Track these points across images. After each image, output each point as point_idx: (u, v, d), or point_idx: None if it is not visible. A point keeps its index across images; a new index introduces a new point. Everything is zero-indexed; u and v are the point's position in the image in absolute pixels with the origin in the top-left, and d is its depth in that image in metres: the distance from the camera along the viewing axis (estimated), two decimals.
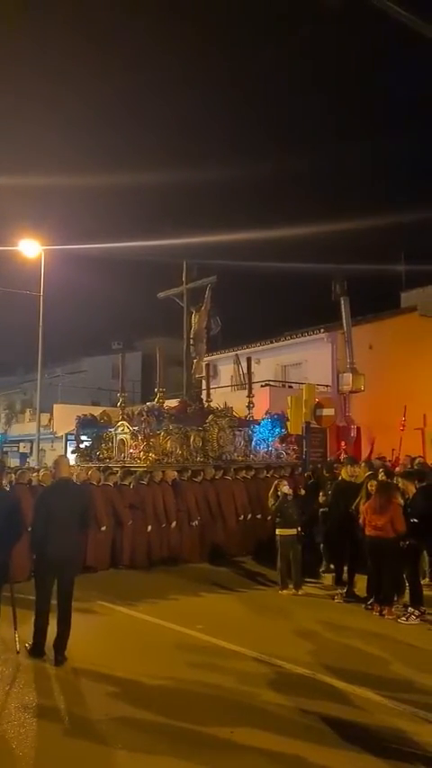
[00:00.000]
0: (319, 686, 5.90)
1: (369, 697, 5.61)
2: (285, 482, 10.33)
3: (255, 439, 15.20)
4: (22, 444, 31.41)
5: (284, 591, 9.66)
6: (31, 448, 28.28)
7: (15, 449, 31.73)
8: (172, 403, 15.11)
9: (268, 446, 15.36)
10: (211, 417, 14.35)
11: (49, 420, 28.09)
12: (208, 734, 4.91)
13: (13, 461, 26.54)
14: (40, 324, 22.50)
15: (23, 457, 30.10)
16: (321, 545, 10.58)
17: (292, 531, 9.80)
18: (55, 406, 29.13)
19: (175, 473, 12.70)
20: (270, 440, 15.43)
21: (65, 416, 28.00)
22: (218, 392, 17.40)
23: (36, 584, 6.86)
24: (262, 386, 19.24)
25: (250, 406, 15.56)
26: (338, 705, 5.46)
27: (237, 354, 22.15)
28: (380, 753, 4.58)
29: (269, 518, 11.26)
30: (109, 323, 58.70)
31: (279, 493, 10.03)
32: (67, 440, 26.40)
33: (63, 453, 25.17)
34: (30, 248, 22.25)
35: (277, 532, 9.95)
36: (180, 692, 5.78)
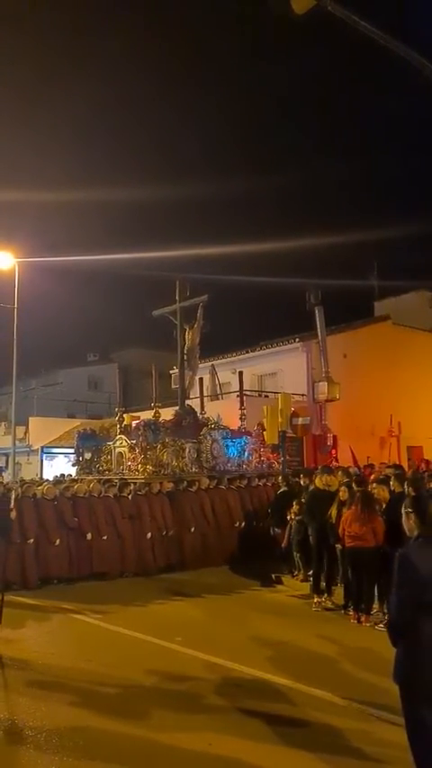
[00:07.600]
0: (300, 696, 5.89)
1: (348, 706, 5.63)
2: None
3: (246, 450, 15.35)
4: None
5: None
6: (7, 461, 27.94)
7: None
8: (148, 414, 15.20)
9: (260, 456, 15.54)
10: (204, 430, 14.60)
11: (25, 433, 27.81)
12: (184, 748, 4.87)
13: None
14: (14, 336, 22.36)
15: None
16: (297, 554, 10.62)
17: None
18: (30, 418, 28.86)
19: (171, 484, 12.95)
20: (262, 449, 15.64)
21: (41, 429, 27.79)
22: (195, 402, 17.43)
23: None
24: (237, 396, 19.31)
25: (243, 417, 15.74)
26: (319, 713, 5.46)
27: (213, 365, 22.18)
28: (356, 756, 4.62)
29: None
30: (84, 334, 58.45)
31: None
32: (42, 452, 26.15)
33: (39, 466, 25.07)
34: (3, 260, 22.13)
35: None
36: (156, 705, 5.73)
